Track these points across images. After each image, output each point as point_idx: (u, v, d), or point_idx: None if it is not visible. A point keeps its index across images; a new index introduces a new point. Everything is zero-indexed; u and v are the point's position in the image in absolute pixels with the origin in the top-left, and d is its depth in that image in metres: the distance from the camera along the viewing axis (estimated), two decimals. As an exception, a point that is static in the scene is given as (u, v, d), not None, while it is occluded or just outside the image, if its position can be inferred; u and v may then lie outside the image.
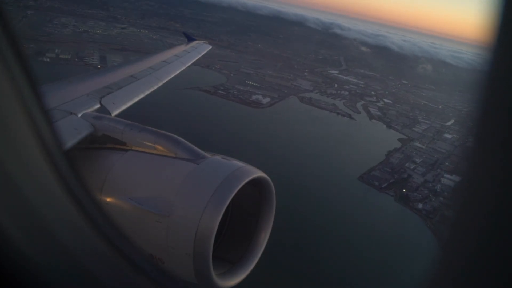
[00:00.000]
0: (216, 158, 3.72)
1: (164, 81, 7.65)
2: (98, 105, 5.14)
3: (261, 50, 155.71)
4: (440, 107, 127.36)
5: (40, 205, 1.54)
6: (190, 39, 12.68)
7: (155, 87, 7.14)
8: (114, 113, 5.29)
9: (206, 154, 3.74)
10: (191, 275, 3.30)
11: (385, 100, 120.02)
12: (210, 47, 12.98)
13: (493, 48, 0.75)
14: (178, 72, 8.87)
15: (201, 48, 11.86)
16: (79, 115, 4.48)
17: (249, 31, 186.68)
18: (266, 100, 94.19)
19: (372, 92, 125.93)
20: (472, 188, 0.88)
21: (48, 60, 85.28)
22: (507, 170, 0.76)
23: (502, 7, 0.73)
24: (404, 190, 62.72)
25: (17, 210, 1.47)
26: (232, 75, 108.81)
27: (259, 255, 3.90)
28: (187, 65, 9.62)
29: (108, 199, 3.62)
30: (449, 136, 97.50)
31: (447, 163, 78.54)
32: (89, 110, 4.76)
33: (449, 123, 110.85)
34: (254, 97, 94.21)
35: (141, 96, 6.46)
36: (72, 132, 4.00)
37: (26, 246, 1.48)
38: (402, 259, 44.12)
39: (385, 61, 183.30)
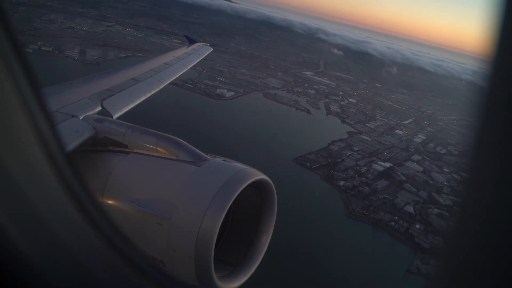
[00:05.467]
0: (217, 160, 3.76)
1: (165, 83, 7.68)
2: (100, 108, 5.15)
3: (242, 51, 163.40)
4: (404, 108, 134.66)
5: (42, 207, 1.56)
6: (191, 41, 12.76)
7: (156, 89, 7.17)
8: (116, 116, 5.32)
9: (207, 156, 3.79)
10: (192, 278, 3.32)
11: (350, 99, 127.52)
12: (211, 49, 13.03)
13: (492, 54, 0.77)
14: (179, 74, 8.88)
15: (202, 50, 11.94)
16: (81, 117, 4.51)
17: (235, 33, 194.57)
18: (230, 94, 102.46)
19: (340, 92, 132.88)
20: (472, 188, 0.89)
21: (30, 51, 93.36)
22: (507, 170, 0.78)
23: (501, 17, 0.75)
24: (333, 171, 70.88)
25: (19, 213, 1.49)
26: (204, 71, 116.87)
27: (260, 257, 3.93)
28: (188, 68, 9.59)
29: (110, 201, 3.64)
30: (400, 132, 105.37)
31: (385, 153, 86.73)
32: (90, 113, 4.79)
33: (406, 122, 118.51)
34: (218, 90, 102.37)
35: (143, 98, 6.50)
36: (73, 135, 4.02)
37: (28, 249, 1.50)
38: (308, 220, 52.45)
39: (364, 66, 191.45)
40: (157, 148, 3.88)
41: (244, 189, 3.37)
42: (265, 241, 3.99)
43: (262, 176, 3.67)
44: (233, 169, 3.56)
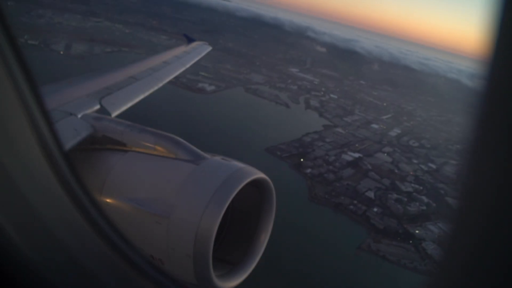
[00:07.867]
0: (216, 159, 3.79)
1: (164, 81, 7.76)
2: (98, 106, 5.19)
3: (229, 48, 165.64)
4: (384, 104, 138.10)
5: (41, 206, 1.56)
6: (190, 40, 12.94)
7: (155, 87, 7.23)
8: (114, 114, 5.37)
9: (206, 155, 3.81)
10: (191, 276, 3.35)
11: (332, 95, 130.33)
12: (210, 48, 13.23)
13: (489, 54, 0.77)
14: (178, 73, 8.97)
15: (201, 49, 12.10)
16: (79, 116, 4.53)
17: (225, 31, 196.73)
18: (211, 88, 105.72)
19: (323, 88, 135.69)
20: (472, 189, 0.90)
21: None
22: (505, 171, 0.79)
23: (499, 18, 0.75)
24: (302, 160, 74.53)
25: (18, 211, 1.50)
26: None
27: (259, 256, 3.97)
28: (187, 66, 9.71)
29: (108, 200, 3.66)
30: (376, 126, 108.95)
31: (357, 145, 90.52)
32: (89, 111, 4.81)
33: (385, 117, 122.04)
34: (200, 85, 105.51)
35: (141, 96, 6.54)
36: (72, 133, 4.04)
37: (27, 248, 1.50)
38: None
39: (351, 64, 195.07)
40: (156, 146, 3.90)
41: (243, 187, 3.43)
42: (264, 239, 4.04)
43: (261, 175, 3.71)
44: (231, 168, 3.60)
